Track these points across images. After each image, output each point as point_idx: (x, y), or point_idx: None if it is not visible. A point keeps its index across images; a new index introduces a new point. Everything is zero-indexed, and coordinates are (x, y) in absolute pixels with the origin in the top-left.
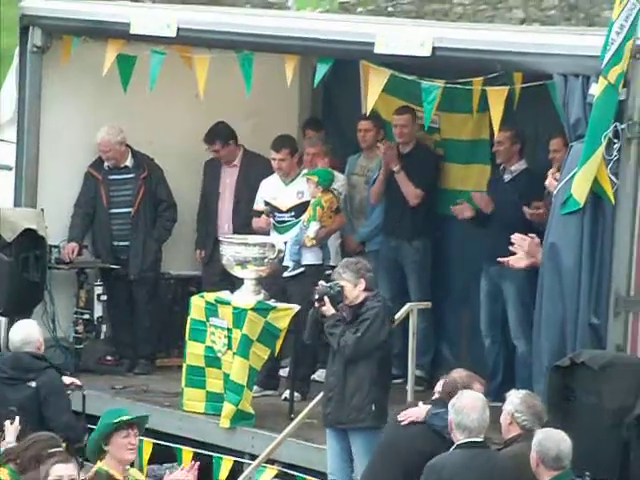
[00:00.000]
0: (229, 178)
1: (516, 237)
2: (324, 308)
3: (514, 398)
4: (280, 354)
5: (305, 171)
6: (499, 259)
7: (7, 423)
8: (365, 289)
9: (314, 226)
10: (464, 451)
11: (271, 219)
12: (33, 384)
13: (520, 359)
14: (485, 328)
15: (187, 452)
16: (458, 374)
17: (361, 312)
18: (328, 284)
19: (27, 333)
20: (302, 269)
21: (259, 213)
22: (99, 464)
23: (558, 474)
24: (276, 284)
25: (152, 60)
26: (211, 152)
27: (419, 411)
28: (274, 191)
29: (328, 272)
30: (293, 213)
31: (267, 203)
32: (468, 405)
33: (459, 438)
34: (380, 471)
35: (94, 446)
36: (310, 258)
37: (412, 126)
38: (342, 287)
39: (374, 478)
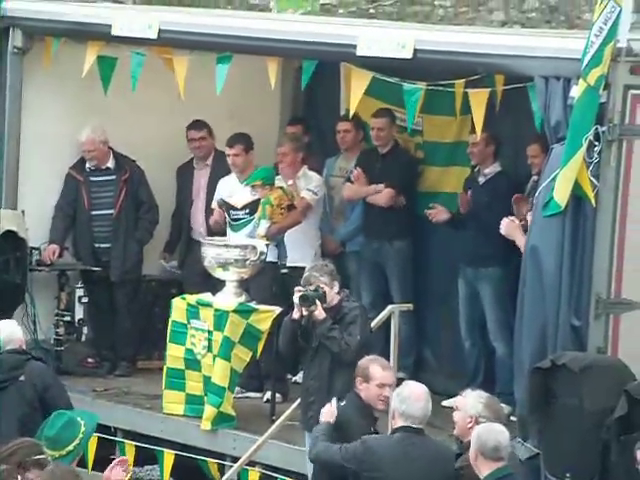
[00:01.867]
0: (202, 179)
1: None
2: (317, 312)
3: (476, 402)
4: (261, 356)
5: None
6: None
7: None
8: (338, 292)
9: (264, 224)
10: (401, 436)
11: (225, 214)
12: (22, 378)
13: (499, 361)
14: (464, 330)
15: (169, 454)
16: (363, 359)
17: (343, 314)
18: (312, 287)
19: (9, 333)
20: None
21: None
22: None
23: (497, 467)
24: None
25: (133, 61)
26: (196, 140)
27: (330, 411)
28: (230, 189)
29: (284, 271)
30: (247, 210)
31: (223, 201)
32: (414, 394)
33: (398, 424)
34: None
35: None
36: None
37: (389, 129)
38: (325, 290)
39: None
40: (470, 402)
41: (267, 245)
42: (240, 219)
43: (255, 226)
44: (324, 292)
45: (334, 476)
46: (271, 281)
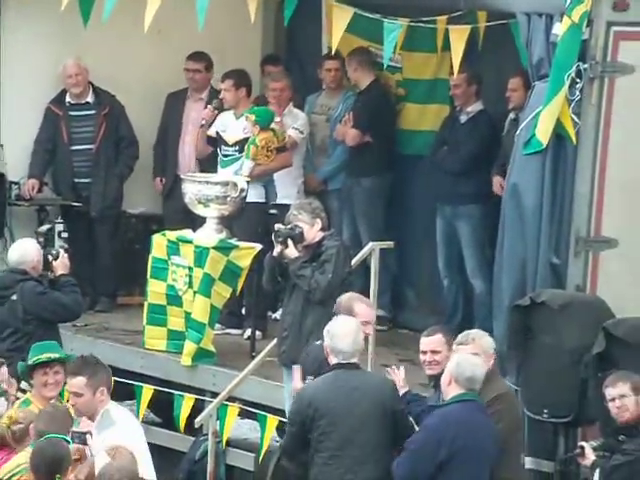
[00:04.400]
0: (194, 112)
1: None
2: (287, 251)
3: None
4: (242, 293)
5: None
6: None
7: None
8: (321, 229)
9: (247, 164)
10: (332, 373)
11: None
12: (14, 297)
13: (478, 298)
14: (442, 268)
15: (147, 389)
16: (343, 297)
17: (321, 252)
18: (288, 226)
19: (22, 253)
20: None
21: (210, 139)
22: (27, 395)
23: (464, 392)
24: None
25: None
26: (190, 72)
27: (297, 383)
28: (225, 124)
29: (272, 211)
30: (237, 148)
31: (217, 134)
32: (341, 330)
33: (333, 361)
34: None
35: (23, 379)
36: (252, 196)
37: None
38: (302, 229)
39: None
40: (486, 341)
41: (266, 184)
42: (229, 155)
43: (242, 164)
44: (300, 232)
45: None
46: (257, 221)
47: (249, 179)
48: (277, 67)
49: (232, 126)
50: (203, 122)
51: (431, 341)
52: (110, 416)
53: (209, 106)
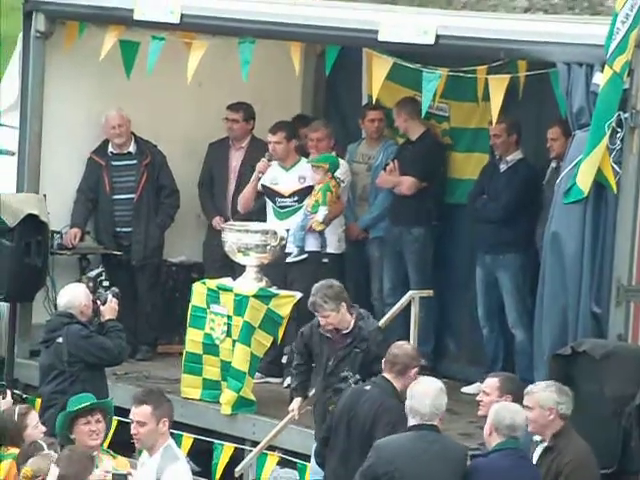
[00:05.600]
0: (235, 161)
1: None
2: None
3: (550, 393)
4: (282, 341)
5: (304, 160)
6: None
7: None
8: (348, 310)
9: (323, 211)
10: (411, 433)
11: (268, 201)
12: (60, 340)
13: (519, 348)
14: (482, 317)
15: (187, 438)
16: (402, 347)
17: (362, 338)
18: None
19: (71, 297)
20: (305, 255)
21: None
22: None
23: (505, 440)
24: (276, 270)
25: (151, 46)
26: (229, 121)
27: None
28: (274, 177)
29: (325, 260)
30: (296, 198)
31: (264, 186)
32: (421, 390)
33: (411, 422)
34: None
35: (61, 435)
36: (312, 244)
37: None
38: None
39: None
40: (543, 395)
41: (321, 232)
42: (287, 207)
43: (306, 214)
44: None
45: None
46: (315, 270)
47: (324, 226)
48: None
49: (284, 178)
50: (260, 175)
51: (486, 383)
52: (174, 451)
53: (263, 159)
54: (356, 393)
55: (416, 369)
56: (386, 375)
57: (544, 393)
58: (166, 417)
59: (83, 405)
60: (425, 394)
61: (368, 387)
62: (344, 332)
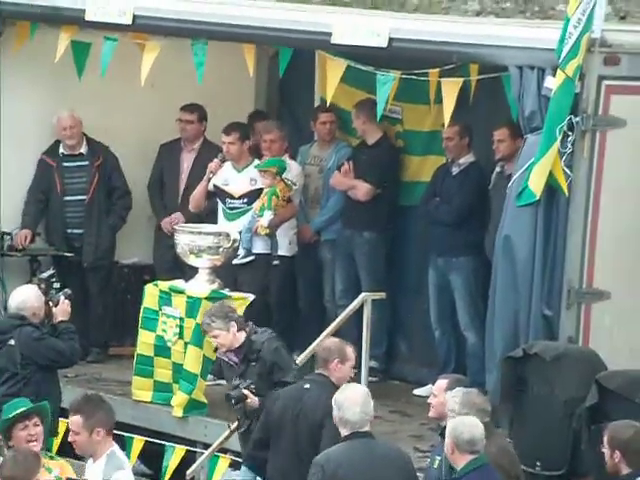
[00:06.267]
0: (186, 163)
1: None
2: (250, 402)
3: (453, 403)
4: None
5: (256, 162)
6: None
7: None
8: (239, 329)
9: (268, 215)
10: (348, 443)
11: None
12: (12, 342)
13: (470, 350)
14: (435, 320)
15: (138, 441)
16: (331, 342)
17: (255, 350)
18: (234, 390)
19: (23, 299)
20: (253, 257)
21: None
22: None
23: (472, 458)
24: (225, 272)
25: (104, 47)
26: (182, 122)
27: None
28: (226, 177)
29: (275, 262)
30: (245, 200)
31: (216, 186)
32: (348, 398)
33: (344, 432)
34: None
35: (3, 439)
36: (260, 247)
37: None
38: (244, 394)
39: None
40: (449, 403)
41: (269, 235)
42: (237, 208)
43: (254, 216)
44: (244, 394)
45: None
46: (264, 272)
47: (269, 230)
48: (265, 123)
49: (235, 179)
50: (211, 175)
51: (436, 384)
52: (119, 458)
53: (216, 159)
54: (296, 392)
55: (336, 361)
56: (319, 371)
57: (448, 400)
58: (100, 427)
59: (19, 411)
60: (353, 402)
61: (307, 385)
62: (235, 348)
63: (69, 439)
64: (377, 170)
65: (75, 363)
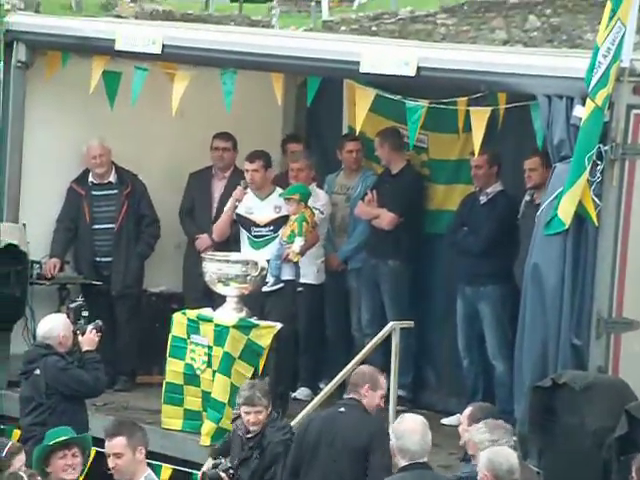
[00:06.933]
0: (217, 191)
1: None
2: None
3: (480, 435)
4: (263, 372)
5: (279, 190)
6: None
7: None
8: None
9: (299, 241)
10: (407, 473)
11: (243, 230)
12: (37, 371)
13: (498, 379)
14: (463, 349)
15: (166, 469)
16: (365, 368)
17: (263, 447)
18: (211, 470)
19: (49, 328)
20: (282, 284)
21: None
22: None
23: None
24: (254, 300)
25: (135, 76)
26: (219, 150)
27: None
28: (250, 206)
29: (299, 289)
30: (272, 227)
31: (238, 215)
32: (409, 428)
33: (402, 463)
34: None
35: (37, 468)
36: (288, 273)
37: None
38: (220, 477)
39: None
40: (476, 436)
41: (296, 263)
42: (263, 236)
43: (282, 243)
44: (220, 477)
45: None
46: (291, 299)
47: (301, 257)
48: (299, 146)
49: (259, 207)
50: (237, 203)
51: (464, 413)
52: None
53: (239, 187)
54: (330, 417)
55: (367, 386)
56: (350, 395)
57: (476, 434)
58: (141, 445)
59: (59, 439)
60: (413, 431)
61: (342, 409)
62: (248, 436)
63: (110, 465)
64: (401, 199)
65: (100, 393)
